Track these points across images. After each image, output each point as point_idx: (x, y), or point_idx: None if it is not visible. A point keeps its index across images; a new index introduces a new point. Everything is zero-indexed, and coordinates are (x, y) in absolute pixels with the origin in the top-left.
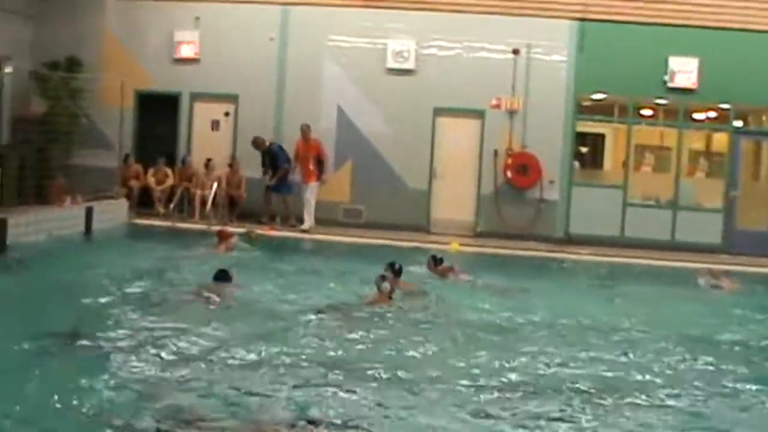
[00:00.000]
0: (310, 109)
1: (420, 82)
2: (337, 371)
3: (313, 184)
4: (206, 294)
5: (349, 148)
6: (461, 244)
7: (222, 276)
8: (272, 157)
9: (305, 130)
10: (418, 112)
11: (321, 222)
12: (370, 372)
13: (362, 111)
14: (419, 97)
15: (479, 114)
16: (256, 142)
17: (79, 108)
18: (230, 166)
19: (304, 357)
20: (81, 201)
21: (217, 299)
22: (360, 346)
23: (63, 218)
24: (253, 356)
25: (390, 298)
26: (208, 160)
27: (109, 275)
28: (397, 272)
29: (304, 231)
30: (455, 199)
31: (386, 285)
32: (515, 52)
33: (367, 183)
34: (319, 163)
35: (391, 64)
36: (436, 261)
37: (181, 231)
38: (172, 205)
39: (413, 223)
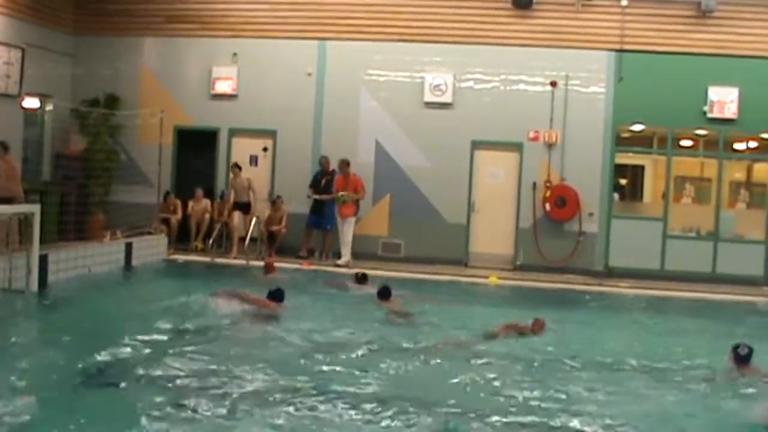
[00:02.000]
0: (348, 143)
1: (458, 115)
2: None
3: (351, 219)
4: (262, 309)
5: (388, 182)
6: (500, 278)
7: (277, 294)
8: (329, 182)
9: (344, 165)
10: (456, 145)
11: (359, 256)
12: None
13: (400, 145)
14: (457, 131)
15: (517, 147)
16: (322, 162)
17: (118, 144)
18: (273, 203)
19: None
20: (121, 237)
21: (278, 310)
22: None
23: (103, 254)
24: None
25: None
26: (278, 197)
27: (151, 309)
28: (383, 295)
29: (340, 266)
30: (494, 232)
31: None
32: (553, 84)
33: (405, 217)
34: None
35: (429, 97)
36: (358, 278)
37: (220, 266)
38: (210, 240)
39: (452, 257)
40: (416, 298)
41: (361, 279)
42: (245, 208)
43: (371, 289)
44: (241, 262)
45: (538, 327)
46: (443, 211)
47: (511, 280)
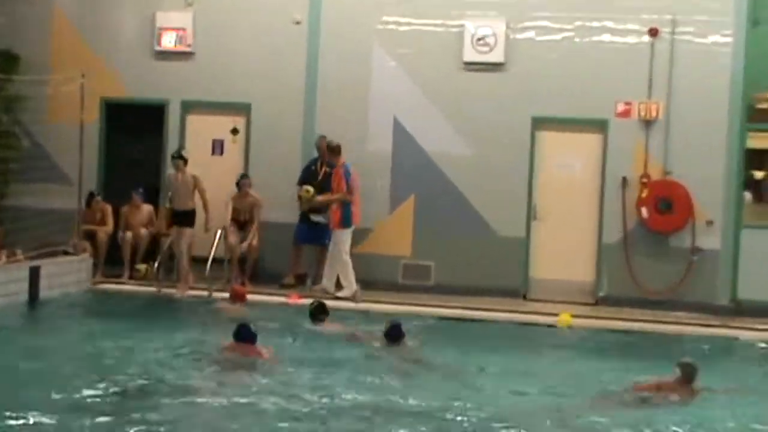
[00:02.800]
0: (354, 122)
1: (512, 80)
2: None
3: (341, 232)
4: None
5: (411, 178)
6: (574, 316)
7: (244, 333)
8: (329, 175)
9: (331, 151)
10: (510, 124)
11: (371, 284)
12: None
13: (428, 124)
14: (511, 103)
15: (599, 125)
16: (319, 145)
17: (17, 124)
18: (237, 186)
19: None
20: (22, 258)
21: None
22: None
23: None
24: None
25: None
26: (243, 176)
27: (62, 370)
28: (393, 339)
29: (341, 298)
30: (565, 250)
31: None
32: (653, 33)
33: (436, 228)
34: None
35: (471, 55)
36: (313, 311)
37: (169, 300)
38: (156, 263)
39: (504, 286)
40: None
41: (318, 311)
42: (185, 219)
43: (334, 328)
44: (199, 293)
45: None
46: (491, 220)
47: (590, 319)
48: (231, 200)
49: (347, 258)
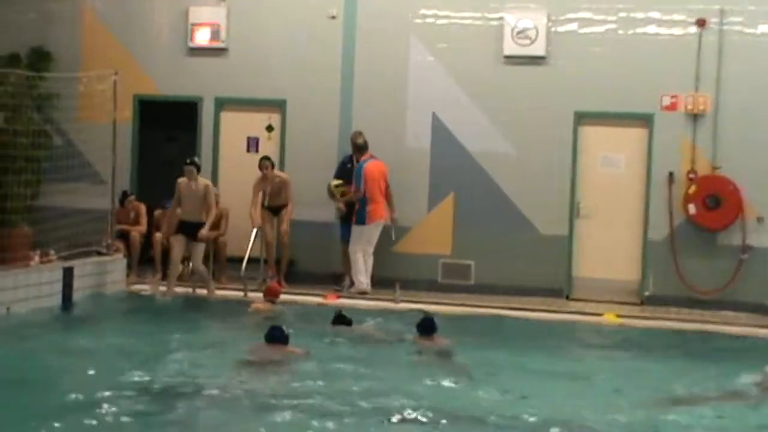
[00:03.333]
0: (391, 119)
1: (554, 74)
2: None
3: (354, 227)
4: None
5: (450, 175)
6: (620, 316)
7: (276, 334)
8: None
9: (359, 143)
10: (553, 119)
11: (411, 284)
12: None
13: (468, 120)
14: (554, 97)
15: (645, 120)
16: (355, 141)
17: (49, 122)
18: (261, 168)
19: None
20: (55, 259)
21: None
22: None
23: (28, 284)
24: None
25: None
26: (265, 158)
27: (98, 372)
28: (426, 329)
29: (353, 294)
30: (609, 248)
31: None
32: (700, 23)
33: (476, 226)
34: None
35: (511, 48)
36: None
37: (202, 301)
38: (190, 263)
39: (546, 285)
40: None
41: (337, 322)
42: (194, 231)
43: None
44: (232, 293)
45: None
46: (533, 217)
47: (636, 319)
48: (256, 186)
49: (357, 256)
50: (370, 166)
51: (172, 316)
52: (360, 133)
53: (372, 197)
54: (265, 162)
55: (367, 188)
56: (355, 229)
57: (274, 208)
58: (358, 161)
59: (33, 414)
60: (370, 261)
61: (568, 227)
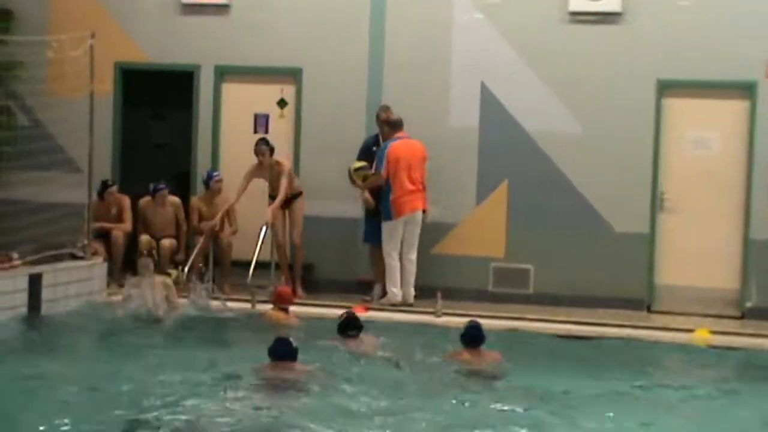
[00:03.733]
0: (431, 91)
1: (632, 35)
2: None
3: (383, 224)
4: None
5: (503, 160)
6: (714, 332)
7: (281, 349)
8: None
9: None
10: (629, 90)
11: (456, 294)
12: None
13: (525, 93)
14: (630, 64)
15: (745, 89)
16: (381, 118)
17: (12, 97)
18: (257, 154)
19: None
20: (19, 264)
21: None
22: None
23: None
24: None
25: None
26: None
27: (70, 402)
28: (472, 340)
29: (390, 305)
30: (701, 249)
31: None
32: None
33: (536, 223)
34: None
35: (578, 4)
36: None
37: (202, 316)
38: (186, 268)
39: (623, 295)
40: None
41: (346, 325)
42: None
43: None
44: (240, 305)
45: None
46: (606, 212)
47: (735, 336)
48: (248, 175)
49: (389, 259)
50: (398, 145)
51: (160, 331)
52: (387, 108)
53: (399, 185)
54: (262, 147)
55: (391, 173)
56: (384, 227)
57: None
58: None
59: None
60: (411, 267)
61: (650, 224)
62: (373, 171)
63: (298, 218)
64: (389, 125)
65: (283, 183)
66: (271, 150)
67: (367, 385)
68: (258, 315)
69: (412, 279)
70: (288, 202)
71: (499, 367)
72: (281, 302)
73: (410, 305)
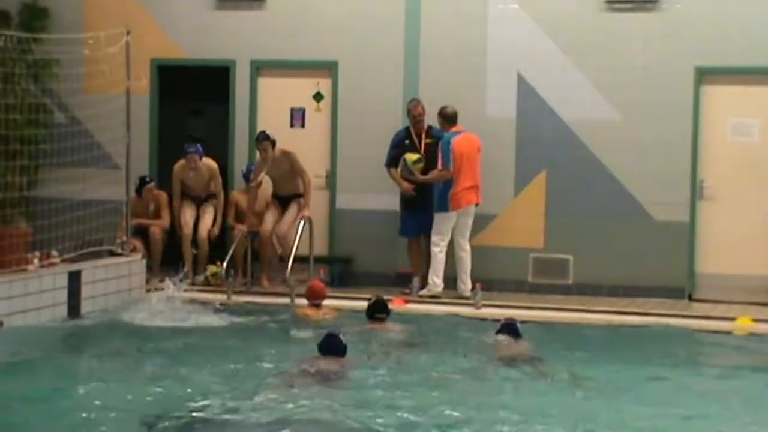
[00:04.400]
0: (465, 81)
1: (671, 21)
2: None
3: (436, 216)
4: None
5: (542, 150)
6: (755, 320)
7: (332, 344)
8: (431, 147)
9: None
10: (668, 78)
11: (495, 285)
12: None
13: (562, 82)
14: (669, 51)
15: None
16: (411, 111)
17: (48, 94)
18: (258, 148)
19: None
20: (58, 261)
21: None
22: None
23: (26, 293)
24: None
25: None
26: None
27: (115, 403)
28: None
29: (422, 297)
30: (742, 237)
31: None
32: None
33: (575, 213)
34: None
35: None
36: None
37: (243, 309)
38: (224, 263)
39: (663, 284)
40: None
41: (375, 308)
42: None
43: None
44: (279, 299)
45: None
46: (645, 200)
47: None
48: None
49: (435, 250)
50: (460, 140)
51: (201, 330)
52: (418, 101)
53: (462, 180)
54: (263, 142)
55: (455, 168)
56: (437, 218)
57: (282, 198)
58: (440, 135)
59: None
60: (466, 257)
61: (690, 212)
62: (440, 167)
63: (294, 217)
64: (445, 118)
65: (303, 168)
66: (273, 143)
67: (408, 374)
68: (295, 307)
69: (468, 269)
70: (287, 200)
71: (534, 357)
72: (313, 298)
73: (466, 298)
